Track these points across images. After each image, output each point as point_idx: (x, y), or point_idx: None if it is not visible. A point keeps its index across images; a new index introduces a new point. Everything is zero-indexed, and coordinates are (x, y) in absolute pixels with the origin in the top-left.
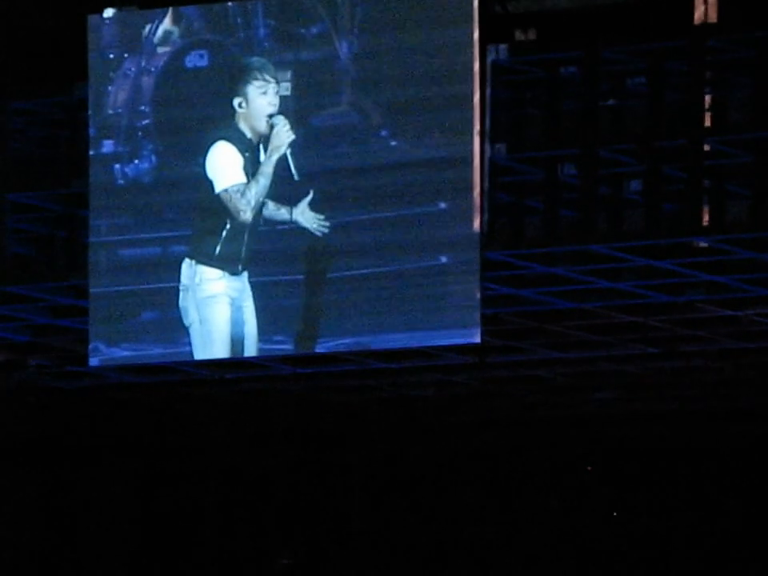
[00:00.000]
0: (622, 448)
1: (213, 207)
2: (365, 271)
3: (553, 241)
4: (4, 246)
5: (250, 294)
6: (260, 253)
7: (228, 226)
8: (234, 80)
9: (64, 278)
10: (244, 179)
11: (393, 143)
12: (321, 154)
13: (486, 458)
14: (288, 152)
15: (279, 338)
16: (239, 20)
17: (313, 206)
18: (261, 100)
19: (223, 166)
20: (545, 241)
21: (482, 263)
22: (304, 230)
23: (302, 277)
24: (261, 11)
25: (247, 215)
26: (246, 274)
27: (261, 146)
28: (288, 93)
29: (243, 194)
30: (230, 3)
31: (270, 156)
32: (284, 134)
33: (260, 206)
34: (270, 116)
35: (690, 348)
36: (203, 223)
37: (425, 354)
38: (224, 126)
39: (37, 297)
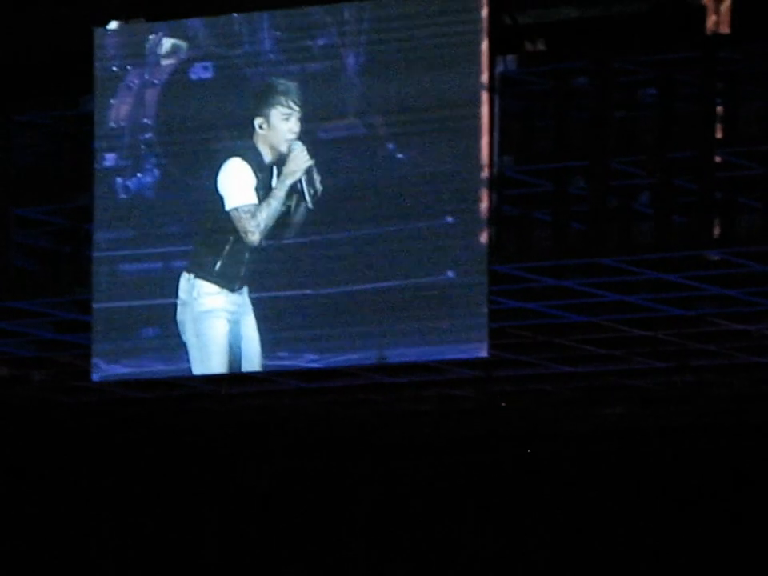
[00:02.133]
0: (631, 463)
1: (217, 223)
2: (370, 286)
3: (562, 254)
4: (8, 260)
5: (251, 309)
6: (263, 268)
7: (230, 244)
8: (258, 99)
9: (68, 293)
10: (255, 200)
11: (399, 156)
12: (327, 167)
13: (493, 472)
14: (303, 178)
15: (284, 353)
16: (244, 32)
17: (318, 219)
18: (283, 125)
19: (237, 183)
20: (553, 254)
21: (489, 276)
22: (309, 244)
23: (309, 292)
24: (266, 23)
25: (255, 237)
26: (245, 289)
27: (275, 169)
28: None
29: (254, 215)
30: (235, 15)
31: (284, 180)
32: (301, 160)
33: (269, 229)
34: (287, 140)
35: (701, 362)
36: (205, 238)
37: (431, 369)
38: (240, 142)
39: (41, 312)
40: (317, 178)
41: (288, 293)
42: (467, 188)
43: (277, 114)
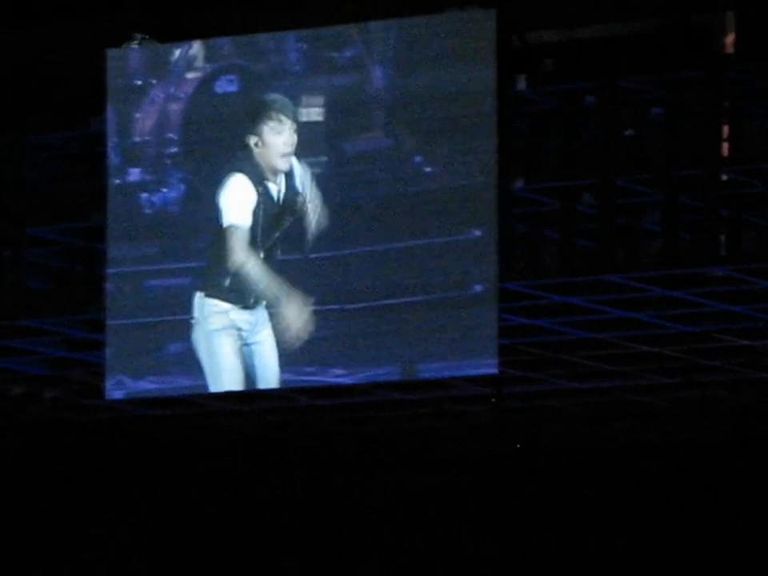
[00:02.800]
0: (638, 478)
1: (224, 239)
2: (397, 301)
3: (569, 271)
4: (21, 279)
5: (268, 325)
6: (286, 282)
7: (239, 252)
8: (250, 117)
9: (80, 312)
10: (249, 221)
11: (426, 169)
12: (353, 180)
13: (502, 488)
14: (307, 194)
15: (311, 368)
16: (270, 44)
17: (343, 233)
18: (275, 140)
19: (235, 201)
20: (561, 271)
21: (498, 293)
22: (333, 259)
23: (335, 307)
24: (292, 36)
25: (238, 258)
26: (263, 305)
27: (274, 187)
28: (320, 118)
29: (244, 237)
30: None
31: (283, 220)
32: (309, 210)
33: (267, 250)
34: (284, 156)
35: (707, 378)
36: (213, 254)
37: (441, 385)
38: (244, 158)
39: (53, 330)
40: (316, 193)
41: (314, 308)
42: (490, 203)
43: (268, 129)
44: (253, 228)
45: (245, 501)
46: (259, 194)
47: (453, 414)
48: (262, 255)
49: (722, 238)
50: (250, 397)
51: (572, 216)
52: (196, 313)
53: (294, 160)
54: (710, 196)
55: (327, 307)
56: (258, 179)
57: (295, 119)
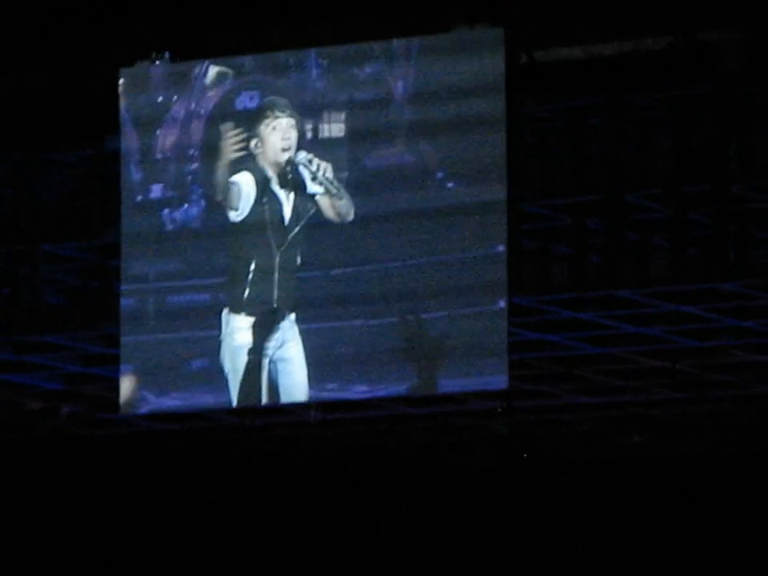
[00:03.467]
0: (650, 492)
1: (238, 250)
2: (422, 316)
3: (580, 286)
4: (37, 295)
5: (297, 341)
6: (308, 298)
7: (253, 266)
8: (250, 123)
9: (96, 327)
10: (244, 214)
11: (449, 185)
12: (375, 196)
13: (513, 502)
14: (320, 199)
15: (333, 385)
16: (291, 60)
17: (366, 248)
18: (273, 136)
19: (244, 188)
20: (572, 286)
21: (509, 309)
22: (357, 274)
23: (358, 323)
24: (313, 52)
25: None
26: (289, 319)
27: (283, 188)
28: (341, 134)
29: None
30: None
31: (295, 224)
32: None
33: (283, 254)
34: (284, 150)
35: (718, 393)
36: (232, 267)
37: (452, 400)
38: (249, 161)
39: (69, 345)
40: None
41: (337, 323)
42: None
43: (264, 127)
44: (259, 222)
45: (258, 514)
46: (263, 192)
47: (463, 427)
48: (277, 258)
49: (731, 253)
50: (265, 411)
51: (582, 232)
52: (223, 329)
53: (306, 172)
54: (719, 212)
55: (349, 323)
56: (263, 181)
57: (293, 115)
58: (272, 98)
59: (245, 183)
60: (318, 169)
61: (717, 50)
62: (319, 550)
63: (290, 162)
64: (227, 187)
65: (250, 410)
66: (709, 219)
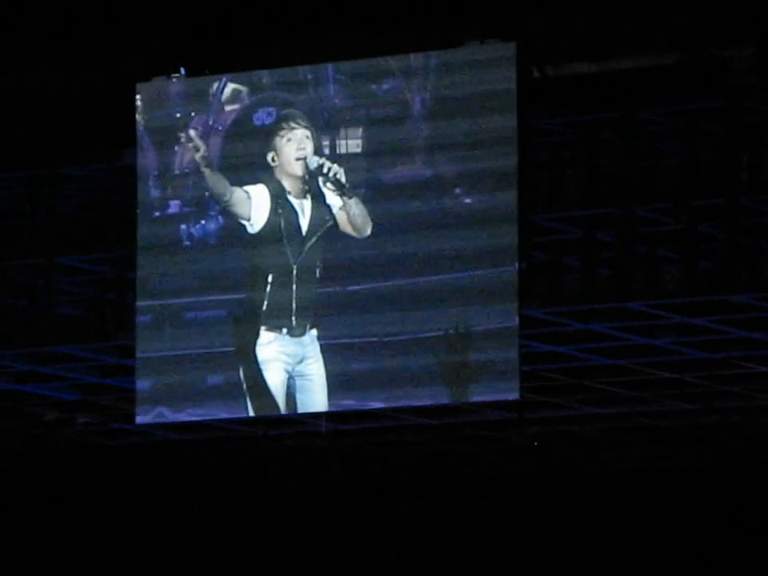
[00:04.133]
0: (659, 503)
1: (256, 261)
2: (436, 333)
3: (590, 298)
4: (54, 307)
5: (318, 358)
6: (329, 314)
7: (271, 279)
8: (267, 137)
9: (111, 339)
10: (262, 223)
11: (467, 201)
12: (392, 211)
13: (524, 512)
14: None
15: (350, 402)
16: (309, 76)
17: (386, 265)
18: (287, 147)
19: (255, 200)
20: (582, 298)
21: (520, 320)
22: (375, 291)
23: (374, 339)
24: (331, 68)
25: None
26: (312, 334)
27: (299, 199)
28: (359, 150)
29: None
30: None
31: (311, 235)
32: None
33: (300, 264)
34: (299, 159)
35: (727, 404)
36: (252, 280)
37: (464, 410)
38: (266, 174)
39: (85, 357)
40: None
41: (357, 340)
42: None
43: (279, 140)
44: (276, 233)
45: (271, 524)
46: (279, 205)
47: (474, 438)
48: (295, 270)
49: (741, 265)
50: (277, 421)
51: (592, 245)
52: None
53: (319, 176)
54: (729, 224)
55: (365, 339)
56: (279, 192)
57: (308, 126)
58: (287, 110)
59: (258, 194)
60: (329, 171)
61: (727, 65)
62: (331, 560)
63: (306, 172)
64: (239, 196)
65: (263, 420)
66: (719, 232)
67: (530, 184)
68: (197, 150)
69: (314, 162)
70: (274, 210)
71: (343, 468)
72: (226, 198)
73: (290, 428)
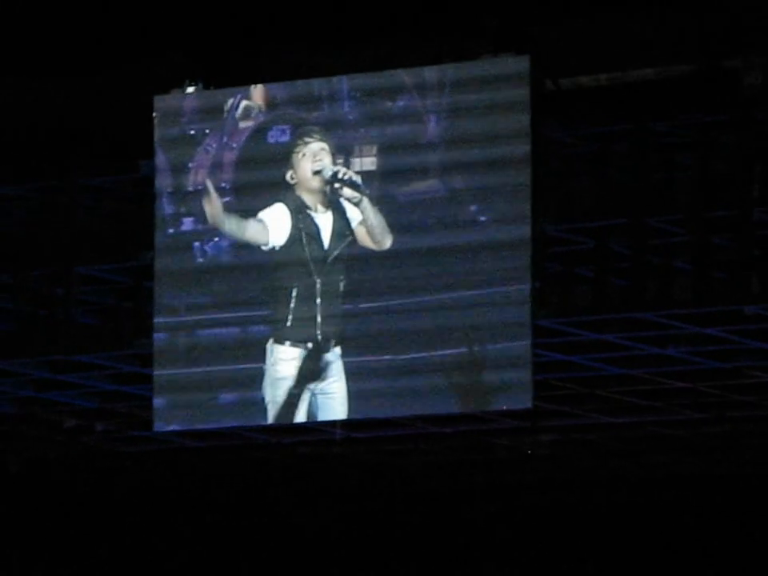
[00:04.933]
0: (671, 512)
1: (278, 280)
2: (446, 352)
3: (603, 308)
4: (72, 316)
5: (341, 377)
6: (353, 332)
7: (295, 294)
8: (283, 156)
9: (129, 347)
10: (281, 242)
11: (482, 219)
12: (407, 230)
13: (537, 520)
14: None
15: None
16: (324, 93)
17: (398, 283)
18: (304, 162)
19: (272, 221)
20: (595, 308)
21: (533, 330)
22: (391, 309)
23: (387, 357)
24: (345, 85)
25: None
26: (336, 352)
27: (321, 212)
28: (373, 168)
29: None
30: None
31: (334, 248)
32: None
33: (325, 277)
34: (316, 173)
35: (739, 413)
36: (275, 296)
37: (477, 419)
38: (286, 193)
39: (103, 365)
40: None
41: (378, 358)
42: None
43: (296, 156)
44: (298, 248)
45: (285, 532)
46: (300, 220)
47: (488, 447)
48: (318, 284)
49: (753, 276)
50: (292, 429)
51: (605, 255)
52: (267, 359)
53: (342, 199)
54: (742, 235)
55: (387, 358)
56: (299, 209)
57: (323, 139)
58: (302, 127)
59: (275, 217)
60: (344, 176)
61: (740, 77)
62: (345, 567)
63: (323, 184)
64: (254, 228)
65: (278, 428)
66: (731, 243)
67: (543, 195)
68: (210, 203)
69: (329, 171)
70: (294, 225)
71: (357, 476)
72: (240, 236)
73: (304, 436)
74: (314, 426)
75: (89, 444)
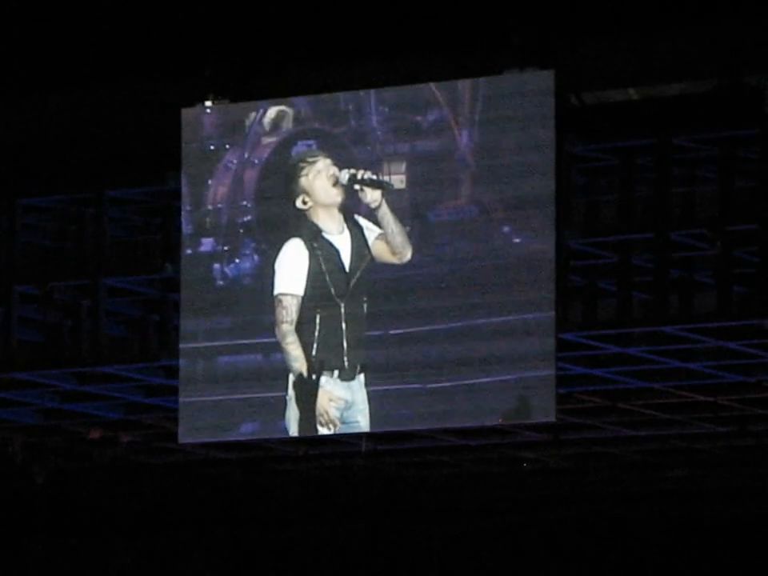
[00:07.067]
0: (693, 524)
1: (305, 310)
2: (475, 381)
3: (626, 322)
4: (99, 327)
5: (365, 406)
6: (377, 359)
7: (319, 320)
8: (290, 184)
9: (155, 359)
10: (301, 291)
11: (516, 240)
12: (438, 250)
13: (560, 533)
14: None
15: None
16: (350, 107)
17: (431, 308)
18: (318, 181)
19: (286, 269)
20: (618, 322)
21: (557, 344)
22: (419, 335)
23: (417, 386)
24: (373, 98)
25: (282, 330)
26: (361, 380)
27: (339, 234)
28: (402, 185)
29: (291, 306)
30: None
31: (356, 269)
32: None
33: (349, 300)
34: (335, 185)
35: (760, 427)
36: (299, 323)
37: (501, 432)
38: (299, 221)
39: (129, 377)
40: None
41: (400, 386)
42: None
43: (305, 179)
44: (314, 273)
45: (310, 542)
46: (315, 248)
47: (511, 459)
48: (342, 307)
49: None
50: (317, 441)
51: (628, 269)
52: (289, 389)
53: (344, 174)
54: (764, 250)
55: (409, 386)
56: (315, 236)
57: (326, 155)
58: (299, 149)
59: (291, 260)
60: (362, 176)
61: (762, 93)
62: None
63: (344, 194)
64: (278, 264)
65: (303, 439)
66: (753, 257)
67: (567, 209)
68: None
69: (346, 175)
70: (311, 254)
71: (381, 487)
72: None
73: (329, 448)
74: (339, 438)
75: (114, 455)
